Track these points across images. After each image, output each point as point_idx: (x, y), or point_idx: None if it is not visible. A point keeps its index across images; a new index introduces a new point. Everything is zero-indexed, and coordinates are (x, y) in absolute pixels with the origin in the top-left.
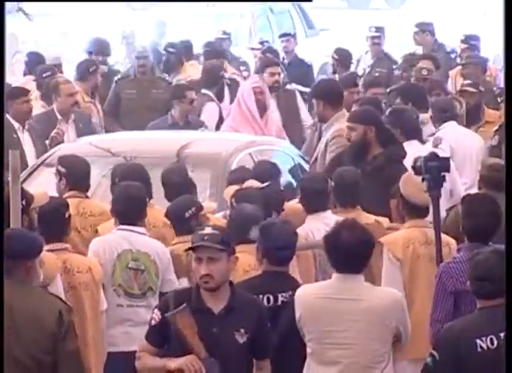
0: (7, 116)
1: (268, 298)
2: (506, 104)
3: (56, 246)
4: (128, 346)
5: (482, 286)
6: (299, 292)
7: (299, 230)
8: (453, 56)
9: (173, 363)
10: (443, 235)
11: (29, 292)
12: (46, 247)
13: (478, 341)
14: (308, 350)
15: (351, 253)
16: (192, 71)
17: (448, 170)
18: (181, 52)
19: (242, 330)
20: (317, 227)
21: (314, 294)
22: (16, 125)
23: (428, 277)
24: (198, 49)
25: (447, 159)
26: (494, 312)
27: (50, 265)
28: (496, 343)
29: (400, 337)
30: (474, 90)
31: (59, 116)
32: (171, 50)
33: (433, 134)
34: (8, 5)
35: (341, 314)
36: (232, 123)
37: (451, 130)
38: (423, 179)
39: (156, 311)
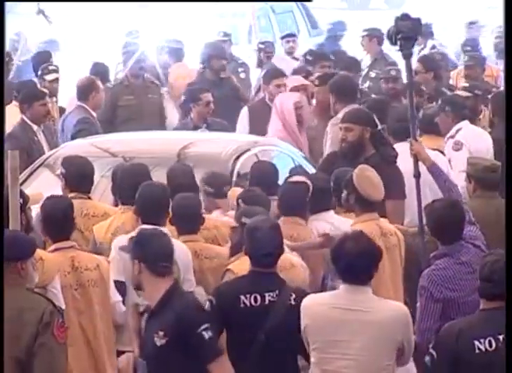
0: (24, 118)
1: (256, 298)
2: (506, 104)
3: (64, 245)
4: None
5: (485, 287)
6: (305, 302)
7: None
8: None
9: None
10: (389, 225)
11: (17, 293)
12: (53, 246)
13: (476, 342)
14: (312, 359)
15: (354, 264)
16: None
17: (420, 31)
18: None
19: (161, 333)
20: (321, 226)
21: (322, 304)
22: (35, 127)
23: (388, 268)
24: (197, 49)
25: (419, 20)
26: (495, 314)
27: (50, 265)
28: (494, 345)
29: (404, 351)
30: (468, 94)
31: (94, 113)
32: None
33: (452, 136)
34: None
35: (348, 324)
36: (280, 132)
37: (469, 132)
38: (395, 41)
39: None
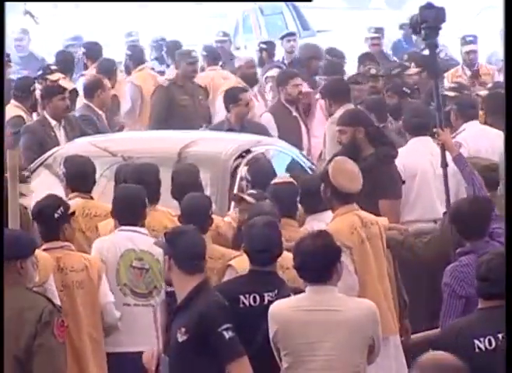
0: (44, 114)
1: (255, 298)
2: (506, 104)
3: (52, 245)
4: (134, 346)
5: (483, 286)
6: (272, 308)
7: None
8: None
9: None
10: (369, 215)
11: (17, 293)
12: (43, 246)
13: (475, 341)
14: (284, 365)
15: (308, 262)
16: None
17: (444, 20)
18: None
19: (183, 329)
20: (318, 226)
21: (286, 308)
22: (53, 122)
23: (372, 256)
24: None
25: (443, 9)
26: (493, 313)
27: (45, 264)
28: (494, 344)
29: (373, 348)
30: (456, 94)
31: (100, 112)
32: None
33: (454, 137)
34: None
35: (319, 325)
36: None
37: (472, 133)
38: (420, 30)
39: None
